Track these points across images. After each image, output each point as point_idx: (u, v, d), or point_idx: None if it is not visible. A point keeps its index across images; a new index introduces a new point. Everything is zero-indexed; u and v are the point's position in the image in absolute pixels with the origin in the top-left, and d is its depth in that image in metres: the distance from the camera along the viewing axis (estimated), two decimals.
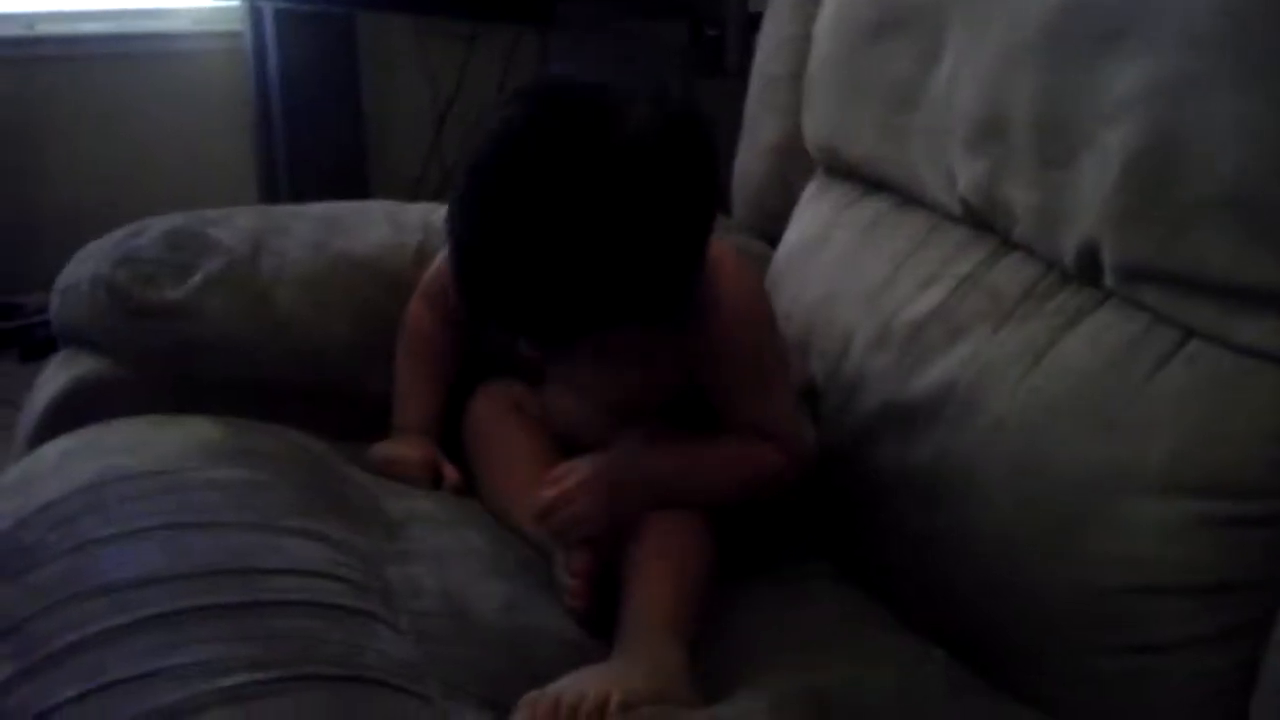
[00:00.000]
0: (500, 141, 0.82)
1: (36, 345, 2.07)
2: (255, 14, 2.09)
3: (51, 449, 0.95)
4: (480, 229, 0.82)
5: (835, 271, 1.10)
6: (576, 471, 0.90)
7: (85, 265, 1.09)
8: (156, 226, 1.10)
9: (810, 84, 1.19)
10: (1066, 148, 0.87)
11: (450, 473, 1.02)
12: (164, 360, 1.06)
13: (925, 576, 0.91)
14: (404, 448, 1.03)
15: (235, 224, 1.13)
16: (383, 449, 1.03)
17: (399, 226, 1.17)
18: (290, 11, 2.07)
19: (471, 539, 0.93)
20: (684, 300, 0.87)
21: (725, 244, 0.94)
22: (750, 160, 1.33)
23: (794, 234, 1.20)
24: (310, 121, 2.15)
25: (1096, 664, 0.78)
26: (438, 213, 1.20)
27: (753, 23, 1.74)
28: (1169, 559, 0.75)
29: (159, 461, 0.90)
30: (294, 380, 1.09)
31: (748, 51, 1.73)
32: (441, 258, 1.10)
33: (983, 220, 0.97)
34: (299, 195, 1.99)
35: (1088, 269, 0.86)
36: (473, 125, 2.37)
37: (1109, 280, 0.85)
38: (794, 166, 1.27)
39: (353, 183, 2.19)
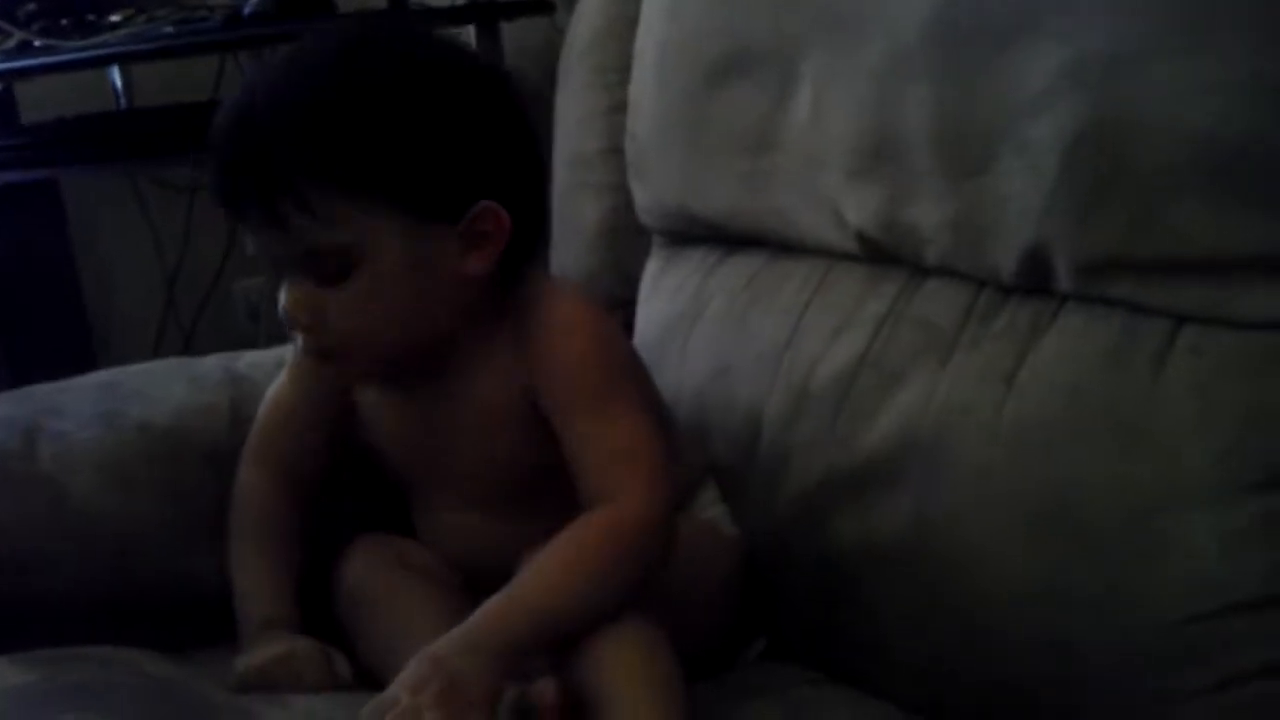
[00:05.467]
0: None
1: None
2: None
3: None
4: (249, 92, 0.79)
5: (719, 343, 0.98)
6: (406, 683, 0.70)
7: None
8: None
9: (640, 150, 1.08)
10: (979, 154, 0.80)
11: (345, 668, 0.82)
12: None
13: (917, 650, 0.80)
14: (283, 646, 0.82)
15: None
16: (255, 658, 0.82)
17: (197, 384, 0.97)
18: None
19: None
20: (411, 197, 0.78)
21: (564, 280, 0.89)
22: (573, 249, 1.21)
23: (653, 314, 1.08)
24: (22, 304, 1.89)
25: (1178, 712, 0.67)
26: (240, 360, 1.02)
27: None
28: (1245, 570, 0.65)
29: None
30: (104, 586, 0.87)
31: None
32: (263, 412, 0.92)
33: (885, 252, 0.88)
34: (20, 384, 1.73)
35: (1034, 276, 0.78)
36: (208, 280, 2.17)
37: (1064, 284, 0.76)
38: (626, 246, 1.16)
39: (80, 361, 1.93)
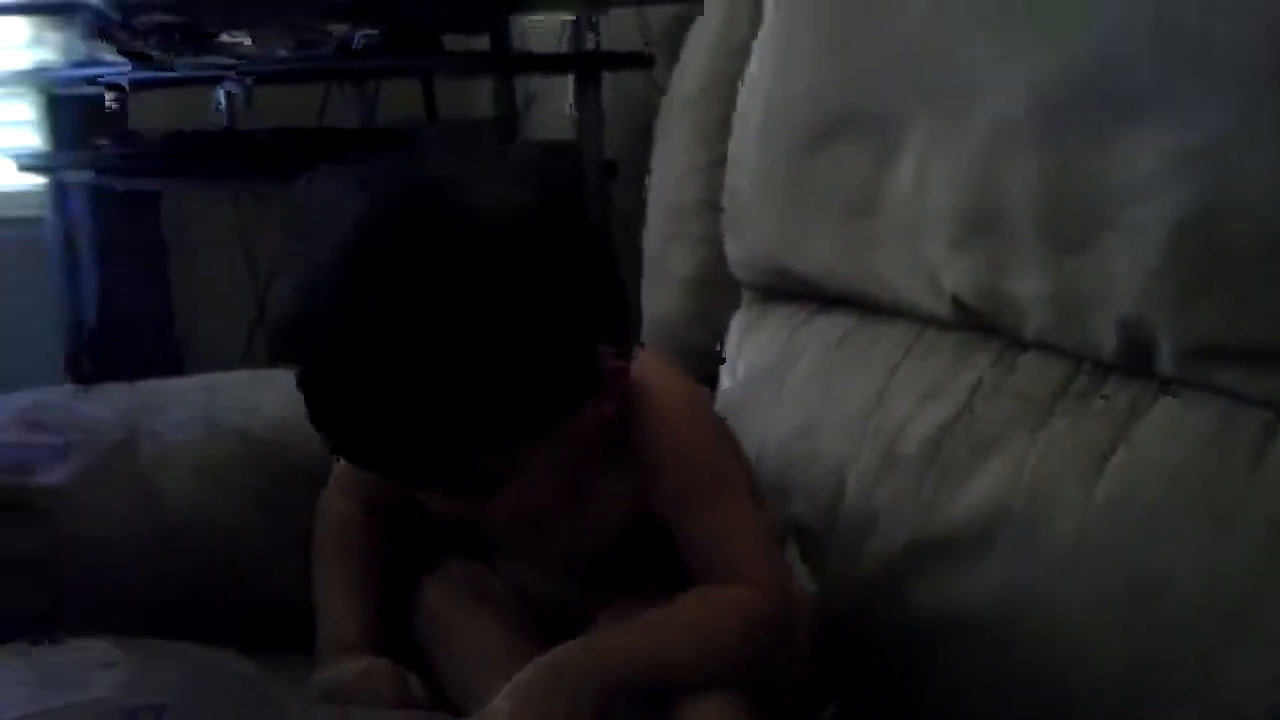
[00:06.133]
0: (330, 248, 0.72)
1: None
2: (57, 194, 1.89)
3: None
4: (320, 353, 0.71)
5: (806, 400, 0.99)
6: (508, 707, 0.72)
7: None
8: (8, 405, 0.90)
9: (739, 204, 1.10)
10: (1082, 230, 0.80)
11: (421, 690, 0.83)
12: (23, 569, 0.84)
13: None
14: (361, 663, 0.84)
15: (101, 401, 0.94)
16: (333, 673, 0.83)
17: (295, 395, 0.99)
18: (98, 189, 1.88)
19: None
20: (574, 406, 0.75)
21: (649, 355, 0.84)
22: (661, 297, 1.23)
23: (740, 367, 1.09)
24: (114, 307, 1.94)
25: None
26: None
27: (610, 170, 1.69)
28: None
29: (52, 692, 0.69)
30: (190, 584, 0.89)
31: (606, 200, 1.67)
32: None
33: (982, 322, 0.89)
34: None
35: (1136, 356, 0.78)
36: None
37: (1166, 366, 0.77)
38: (714, 297, 1.18)
39: (164, 370, 1.98)
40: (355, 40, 1.67)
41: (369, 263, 0.69)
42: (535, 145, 1.83)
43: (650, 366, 0.82)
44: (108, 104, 1.72)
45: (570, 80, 1.69)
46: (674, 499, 0.80)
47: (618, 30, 1.82)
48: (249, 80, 1.61)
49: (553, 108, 2.00)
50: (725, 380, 1.11)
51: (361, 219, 0.71)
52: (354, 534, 0.91)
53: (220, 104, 2.10)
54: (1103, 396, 0.79)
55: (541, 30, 2.02)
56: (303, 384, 0.72)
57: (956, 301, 0.90)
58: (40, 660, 0.73)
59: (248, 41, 1.82)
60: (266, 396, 0.98)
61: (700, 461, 0.81)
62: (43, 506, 0.85)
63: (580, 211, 0.78)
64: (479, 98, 2.22)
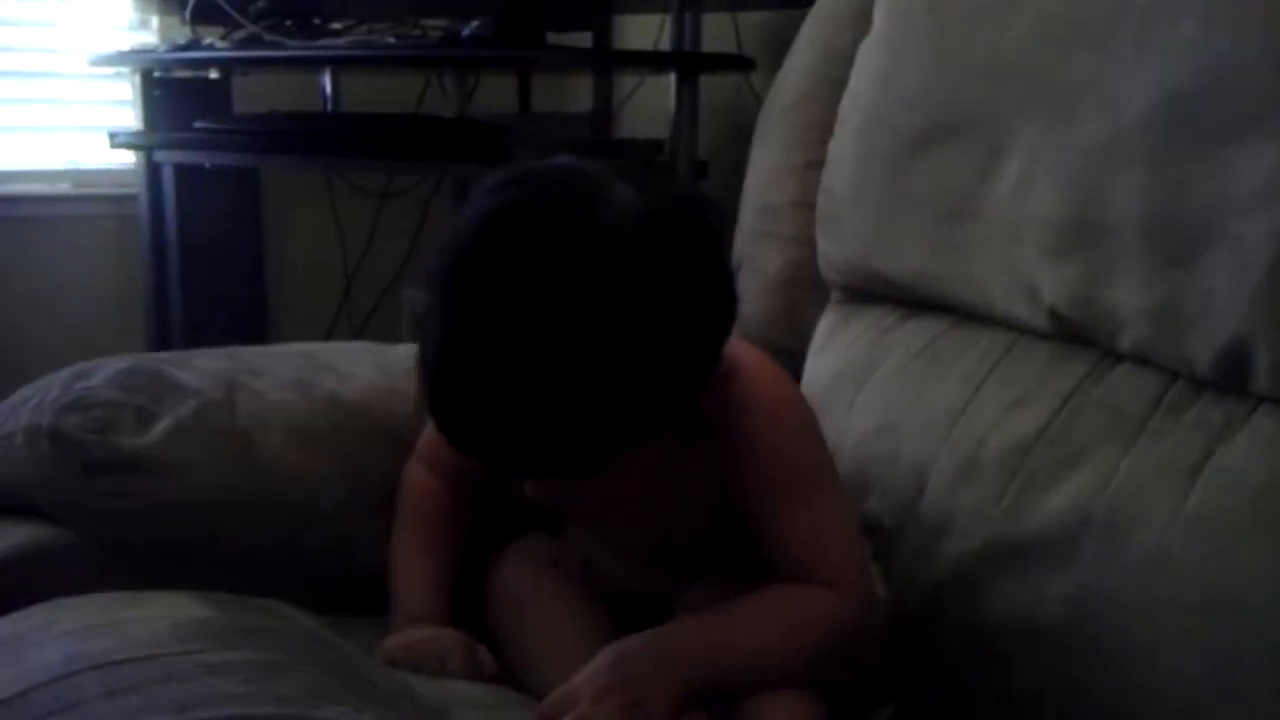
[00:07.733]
0: (462, 247, 0.72)
1: None
2: (153, 172, 1.94)
3: None
4: (446, 352, 0.71)
5: (889, 400, 0.99)
6: (590, 686, 0.71)
7: (17, 414, 0.91)
8: (106, 367, 0.93)
9: (834, 205, 1.11)
10: (1187, 245, 0.79)
11: (489, 662, 0.85)
12: (123, 524, 0.87)
13: None
14: (431, 630, 0.85)
15: (197, 365, 0.97)
16: (403, 638, 0.85)
17: (387, 369, 1.02)
18: (191, 167, 1.92)
19: None
20: (693, 404, 0.74)
21: (742, 343, 0.82)
22: (750, 294, 1.23)
23: (826, 365, 1.09)
24: (209, 282, 1.99)
25: None
26: None
27: (701, 170, 1.70)
28: None
29: (145, 644, 0.70)
30: (273, 540, 0.91)
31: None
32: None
33: (1078, 332, 0.88)
34: None
35: (1231, 373, 0.77)
36: (382, 284, 2.25)
37: (1261, 384, 0.76)
38: (801, 298, 1.18)
39: (254, 340, 2.03)
40: (464, 30, 1.70)
41: (513, 261, 0.69)
42: (629, 143, 1.84)
43: (742, 353, 0.81)
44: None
45: (671, 80, 1.70)
46: (767, 493, 0.80)
47: (710, 34, 1.83)
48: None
49: (645, 107, 2.02)
50: (808, 377, 1.11)
51: (510, 217, 0.71)
52: (434, 507, 0.93)
53: (325, 89, 2.16)
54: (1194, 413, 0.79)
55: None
56: (436, 377, 0.72)
57: (1052, 310, 0.89)
58: (119, 608, 0.75)
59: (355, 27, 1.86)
60: (358, 366, 1.00)
61: (796, 456, 0.81)
62: (132, 467, 0.87)
63: (706, 215, 0.75)
64: (572, 95, 2.25)
